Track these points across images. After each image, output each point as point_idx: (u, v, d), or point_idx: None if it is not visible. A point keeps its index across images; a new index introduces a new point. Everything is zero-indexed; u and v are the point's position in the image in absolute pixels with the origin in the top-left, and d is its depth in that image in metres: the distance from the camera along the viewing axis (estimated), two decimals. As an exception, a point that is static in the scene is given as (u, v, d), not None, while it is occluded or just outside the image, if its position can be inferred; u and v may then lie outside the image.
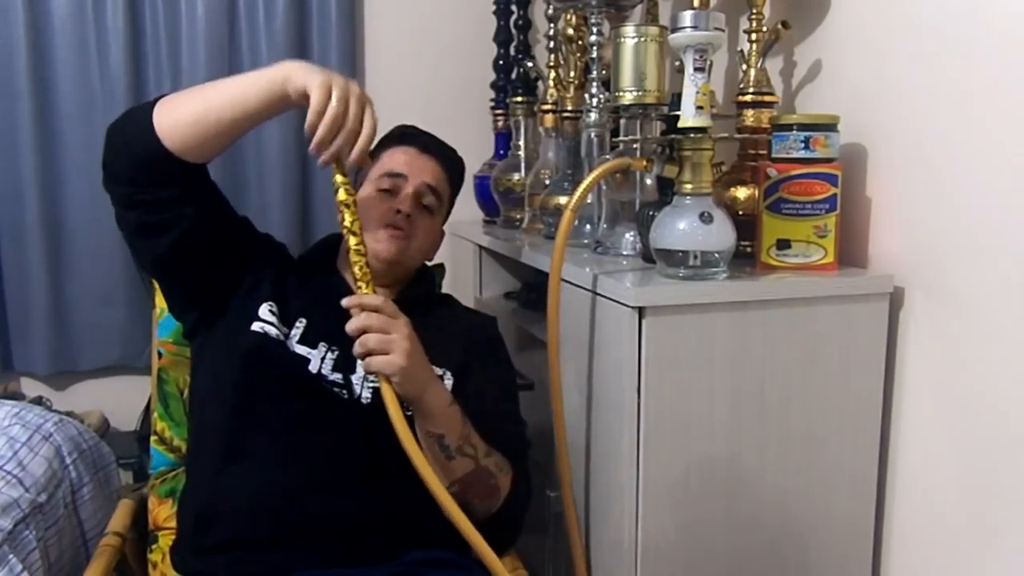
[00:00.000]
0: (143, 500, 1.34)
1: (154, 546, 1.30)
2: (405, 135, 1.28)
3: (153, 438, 1.35)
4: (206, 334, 1.20)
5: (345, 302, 0.99)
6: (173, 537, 1.23)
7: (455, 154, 1.31)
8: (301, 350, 1.14)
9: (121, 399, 2.09)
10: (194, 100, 1.05)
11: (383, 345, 0.97)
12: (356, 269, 1.01)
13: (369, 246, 1.18)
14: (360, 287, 1.01)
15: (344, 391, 1.12)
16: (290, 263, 1.26)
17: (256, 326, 1.14)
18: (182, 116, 1.04)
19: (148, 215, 1.09)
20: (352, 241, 1.01)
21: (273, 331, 1.14)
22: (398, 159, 1.24)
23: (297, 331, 1.16)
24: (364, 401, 1.13)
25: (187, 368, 1.31)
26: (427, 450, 1.03)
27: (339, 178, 1.01)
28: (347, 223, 1.01)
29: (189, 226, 1.10)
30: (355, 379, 1.14)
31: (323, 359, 1.14)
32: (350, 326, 0.98)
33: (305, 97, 0.98)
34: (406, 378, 0.98)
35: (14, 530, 1.18)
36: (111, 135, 1.08)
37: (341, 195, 1.01)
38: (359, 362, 1.15)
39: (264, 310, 1.15)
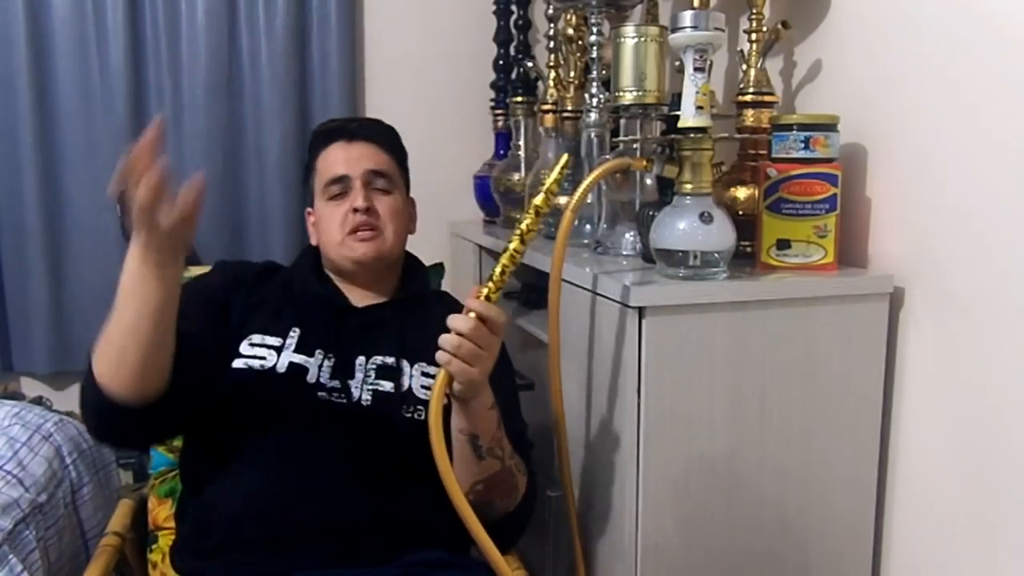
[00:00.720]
0: (143, 500, 1.33)
1: (154, 546, 1.30)
2: (328, 132, 1.24)
3: (153, 438, 1.35)
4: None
5: (475, 305, 0.96)
6: (173, 537, 1.23)
7: (381, 125, 1.27)
8: (298, 359, 1.13)
9: (121, 399, 2.09)
10: (108, 327, 0.96)
11: (471, 359, 0.96)
12: (497, 271, 0.99)
13: (344, 256, 1.18)
14: (486, 290, 0.98)
15: (342, 396, 1.12)
16: (269, 279, 1.23)
17: (239, 363, 1.12)
18: (109, 348, 0.95)
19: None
20: (517, 246, 0.99)
21: (257, 363, 1.12)
22: (333, 160, 1.20)
23: (292, 340, 1.15)
24: (364, 403, 1.12)
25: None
26: (458, 448, 1.03)
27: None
28: (521, 227, 0.99)
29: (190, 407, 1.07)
30: (353, 384, 1.13)
31: (320, 367, 1.13)
32: (455, 325, 0.96)
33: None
34: (469, 388, 0.98)
35: (14, 530, 1.18)
36: (82, 410, 1.05)
37: (537, 199, 0.99)
38: (358, 365, 1.15)
39: (244, 346, 1.13)
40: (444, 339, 0.96)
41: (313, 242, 1.25)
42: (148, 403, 0.98)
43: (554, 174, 0.99)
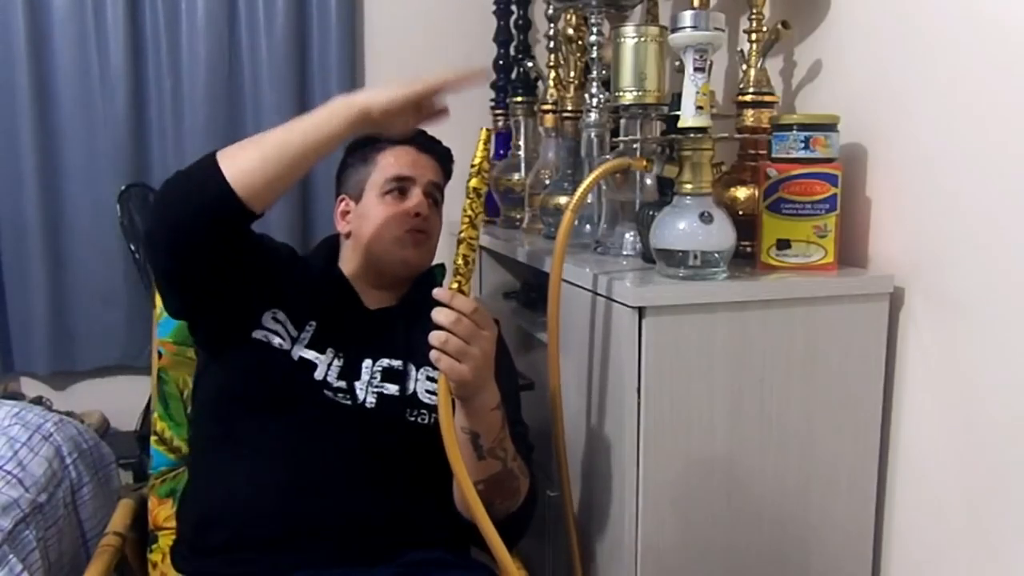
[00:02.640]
0: (143, 500, 1.34)
1: (154, 546, 1.30)
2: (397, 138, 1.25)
3: (153, 438, 1.35)
4: (208, 336, 1.19)
5: (437, 293, 0.97)
6: (173, 537, 1.23)
7: (446, 148, 1.30)
8: (309, 355, 1.14)
9: (121, 399, 2.10)
10: (261, 143, 1.04)
11: (459, 354, 0.95)
12: (460, 261, 0.98)
13: (392, 254, 1.19)
14: (455, 282, 0.98)
15: (348, 397, 1.12)
16: (297, 264, 1.25)
17: (259, 334, 1.13)
18: (252, 159, 1.02)
19: (189, 278, 1.08)
20: (470, 233, 0.98)
21: (276, 340, 1.13)
22: (402, 160, 1.22)
23: (307, 334, 1.15)
24: (368, 406, 1.13)
25: (187, 368, 1.31)
26: (460, 446, 1.02)
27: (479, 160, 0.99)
28: (471, 212, 0.98)
29: (223, 278, 1.09)
30: (359, 385, 1.14)
31: (329, 365, 1.14)
32: (437, 318, 0.96)
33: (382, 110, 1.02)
34: (464, 386, 0.98)
35: (14, 530, 1.18)
36: (168, 194, 1.06)
37: (474, 182, 0.99)
38: (364, 367, 1.15)
39: (267, 318, 1.15)
40: (432, 336, 0.96)
41: (342, 231, 1.26)
42: (250, 215, 1.03)
43: (479, 151, 0.98)
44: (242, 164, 1.02)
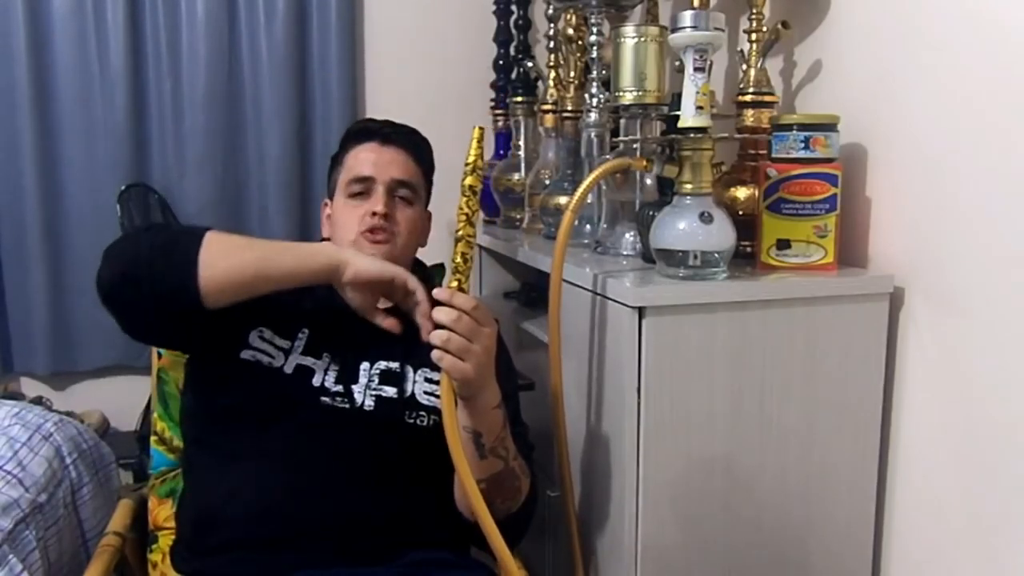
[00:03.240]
0: (143, 500, 1.33)
1: (154, 546, 1.30)
2: (363, 131, 1.23)
3: (153, 438, 1.35)
4: (195, 358, 1.19)
5: (437, 293, 0.96)
6: (173, 537, 1.23)
7: (418, 136, 1.26)
8: (306, 361, 1.13)
9: (121, 399, 2.10)
10: (247, 251, 1.04)
11: (461, 352, 0.95)
12: (458, 259, 0.98)
13: None
14: (455, 280, 0.98)
15: (346, 401, 1.12)
16: None
17: (247, 354, 1.12)
18: (232, 265, 1.02)
19: (143, 328, 1.10)
20: (467, 231, 0.98)
21: (265, 359, 1.12)
22: (362, 159, 1.20)
23: (300, 342, 1.15)
24: (367, 409, 1.12)
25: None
26: (462, 445, 1.02)
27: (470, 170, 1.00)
28: (468, 210, 0.98)
29: (181, 327, 1.09)
30: (356, 389, 1.13)
31: (326, 370, 1.13)
32: (438, 317, 0.95)
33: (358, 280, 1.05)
34: (467, 384, 0.97)
35: (14, 530, 1.18)
36: (133, 253, 1.04)
37: (469, 180, 0.99)
38: (362, 370, 1.15)
39: (254, 336, 1.13)
40: (434, 335, 0.95)
41: (324, 235, 1.26)
42: (200, 309, 1.03)
43: (472, 148, 0.98)
44: (222, 267, 1.02)
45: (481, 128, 1.01)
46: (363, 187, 1.18)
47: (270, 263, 1.04)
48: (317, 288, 1.20)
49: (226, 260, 1.02)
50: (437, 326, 0.95)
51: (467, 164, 0.99)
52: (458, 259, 0.98)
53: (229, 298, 1.03)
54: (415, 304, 1.06)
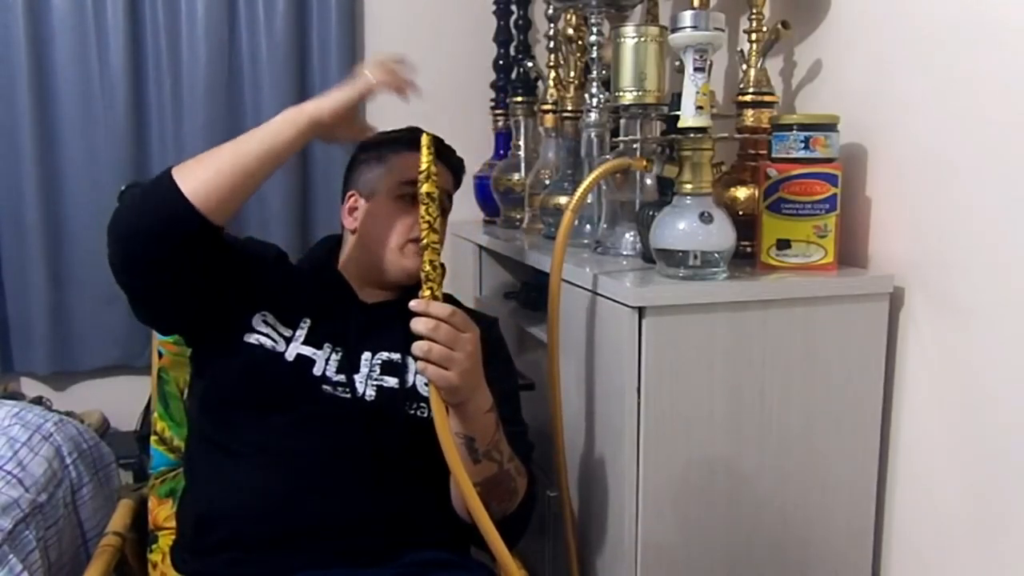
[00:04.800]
0: (143, 500, 1.34)
1: (154, 546, 1.30)
2: (417, 140, 1.26)
3: (153, 438, 1.35)
4: (201, 344, 1.19)
5: (413, 304, 0.96)
6: (173, 537, 1.23)
7: (458, 157, 1.30)
8: (306, 351, 1.14)
9: (121, 399, 2.10)
10: (217, 156, 1.05)
11: (444, 361, 0.95)
12: (428, 267, 0.98)
13: (394, 263, 1.18)
14: (427, 289, 0.98)
15: (347, 391, 1.12)
16: (285, 265, 1.25)
17: (251, 338, 1.13)
18: (208, 171, 1.03)
19: (159, 297, 1.09)
20: (431, 238, 0.98)
21: (268, 342, 1.13)
22: (416, 165, 1.22)
23: (302, 332, 1.15)
24: (368, 399, 1.13)
25: (187, 368, 1.31)
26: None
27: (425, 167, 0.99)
28: (429, 217, 0.98)
29: (195, 291, 1.10)
30: (358, 379, 1.14)
31: (327, 360, 1.14)
32: (416, 328, 0.95)
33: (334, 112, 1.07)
34: (454, 392, 0.97)
35: (14, 530, 1.18)
36: (125, 214, 1.06)
37: (425, 187, 0.99)
38: (363, 360, 1.15)
39: (258, 320, 1.14)
40: (415, 347, 0.95)
41: (348, 227, 1.25)
42: (211, 228, 1.04)
43: (424, 156, 0.99)
44: (200, 177, 1.03)
45: (429, 135, 1.01)
46: (415, 191, 1.18)
47: (243, 155, 1.05)
48: (321, 275, 1.21)
49: (203, 171, 1.03)
50: (416, 337, 0.95)
51: (421, 172, 0.98)
52: (427, 267, 0.98)
53: (227, 203, 1.04)
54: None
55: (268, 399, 1.11)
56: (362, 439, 1.10)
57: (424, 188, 0.98)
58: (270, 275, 1.20)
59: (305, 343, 1.14)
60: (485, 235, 1.82)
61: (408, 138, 1.24)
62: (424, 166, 0.98)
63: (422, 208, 0.98)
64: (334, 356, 1.14)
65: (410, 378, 1.16)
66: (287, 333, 1.15)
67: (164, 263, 1.04)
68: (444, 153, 1.25)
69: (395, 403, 1.13)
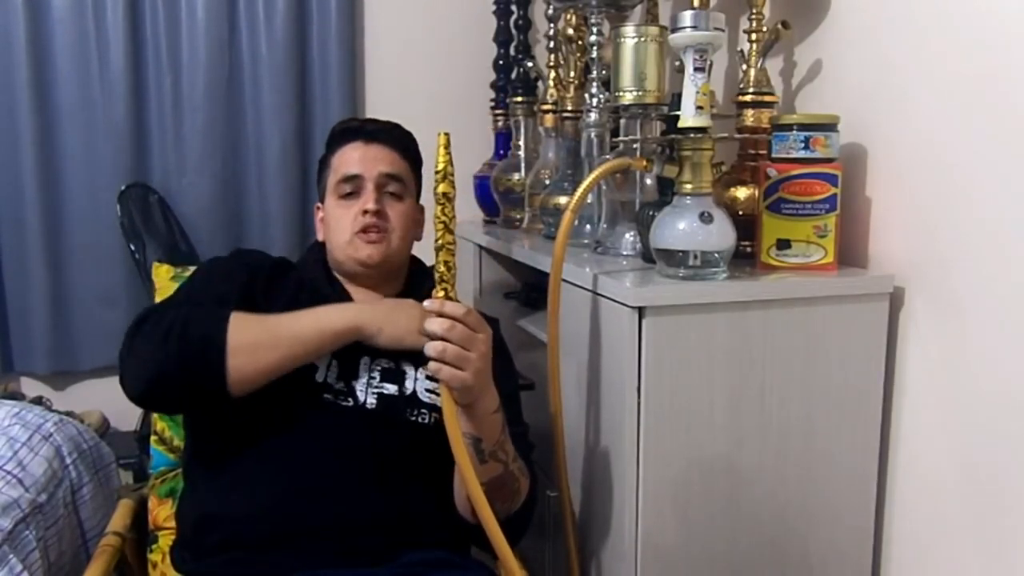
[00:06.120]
0: (143, 500, 1.33)
1: (154, 546, 1.30)
2: (347, 131, 1.24)
3: (153, 438, 1.35)
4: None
5: (427, 304, 0.96)
6: (173, 537, 1.23)
7: (400, 130, 1.26)
8: None
9: (121, 399, 2.07)
10: (272, 349, 1.05)
11: (458, 361, 0.95)
12: (442, 268, 0.98)
13: (350, 255, 1.18)
14: (442, 290, 0.97)
15: (348, 398, 1.12)
16: (280, 275, 1.23)
17: None
18: (259, 362, 1.04)
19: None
20: (447, 239, 0.97)
21: None
22: (348, 158, 1.20)
23: None
24: (369, 407, 1.12)
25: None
26: None
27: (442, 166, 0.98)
28: (444, 217, 0.97)
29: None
30: (359, 386, 1.14)
31: (329, 367, 1.13)
32: (431, 328, 0.95)
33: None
34: (467, 392, 0.97)
35: (14, 530, 1.18)
36: (153, 352, 1.05)
37: (441, 187, 0.98)
38: (363, 367, 1.15)
39: None
40: (429, 347, 0.95)
41: (320, 238, 1.26)
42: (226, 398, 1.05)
43: (440, 155, 0.97)
44: (251, 365, 1.03)
45: (446, 134, 0.99)
46: (352, 186, 1.18)
47: (296, 356, 1.06)
48: (317, 283, 1.20)
49: (254, 363, 1.03)
50: (431, 337, 0.95)
51: (437, 172, 0.97)
52: (442, 268, 0.98)
53: (256, 386, 1.05)
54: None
55: (267, 411, 1.10)
56: (363, 442, 1.10)
57: (440, 188, 0.97)
58: (266, 289, 1.19)
59: None
60: (485, 235, 1.81)
61: (339, 133, 1.24)
62: (440, 166, 0.97)
63: (437, 208, 0.97)
64: (334, 363, 1.14)
65: (410, 385, 1.16)
66: None
67: (180, 402, 1.11)
68: (375, 135, 1.22)
69: (396, 410, 1.13)
